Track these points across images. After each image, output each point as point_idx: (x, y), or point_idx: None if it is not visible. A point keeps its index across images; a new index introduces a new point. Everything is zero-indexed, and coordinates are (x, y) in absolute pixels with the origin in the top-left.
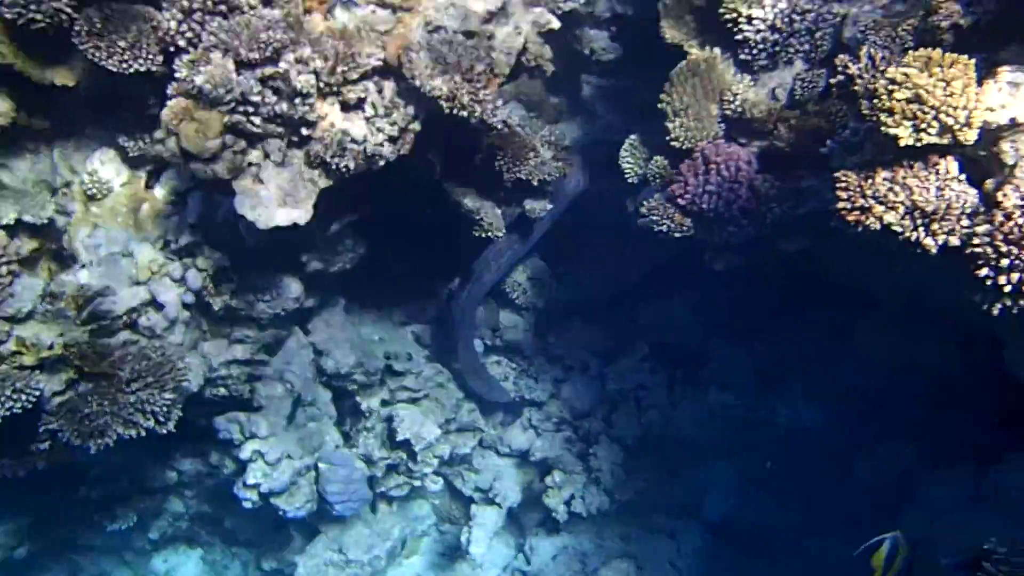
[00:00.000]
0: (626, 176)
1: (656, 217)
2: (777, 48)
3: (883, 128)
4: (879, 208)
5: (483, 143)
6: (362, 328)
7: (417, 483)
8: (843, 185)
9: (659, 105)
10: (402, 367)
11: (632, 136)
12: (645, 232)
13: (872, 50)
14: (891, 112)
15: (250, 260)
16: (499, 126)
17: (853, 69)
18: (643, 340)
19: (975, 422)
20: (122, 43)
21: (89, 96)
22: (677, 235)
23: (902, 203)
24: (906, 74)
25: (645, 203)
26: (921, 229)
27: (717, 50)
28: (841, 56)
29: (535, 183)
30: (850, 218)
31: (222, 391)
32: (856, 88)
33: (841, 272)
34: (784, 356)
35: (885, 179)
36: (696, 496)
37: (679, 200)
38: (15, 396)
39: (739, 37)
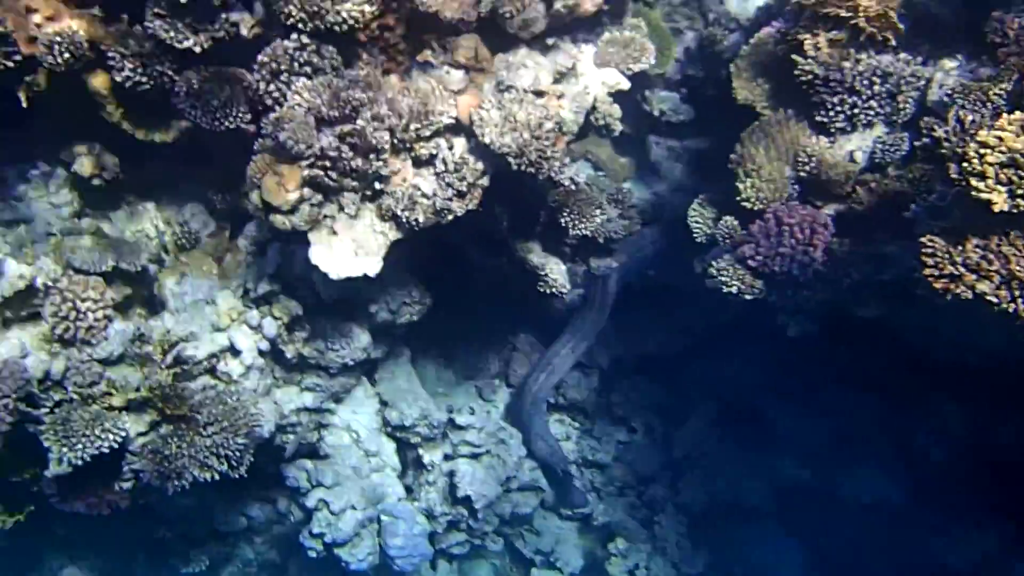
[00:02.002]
0: (694, 236)
1: (726, 278)
2: (856, 110)
3: (975, 193)
4: (971, 276)
5: (549, 199)
6: (426, 380)
7: (478, 541)
8: (930, 251)
9: (729, 165)
10: (464, 421)
11: (700, 196)
12: (711, 292)
13: (960, 113)
14: (983, 176)
15: (322, 309)
16: (566, 183)
17: (940, 132)
18: (710, 402)
19: None
20: (215, 102)
21: (183, 152)
22: (747, 297)
23: (997, 272)
24: (1000, 137)
25: (714, 264)
26: (1020, 301)
27: (791, 111)
28: (927, 119)
29: (600, 240)
30: (938, 285)
31: (291, 438)
32: (943, 151)
33: (920, 339)
34: (859, 425)
35: (977, 246)
36: (763, 572)
37: (750, 261)
38: (103, 435)
39: (815, 100)
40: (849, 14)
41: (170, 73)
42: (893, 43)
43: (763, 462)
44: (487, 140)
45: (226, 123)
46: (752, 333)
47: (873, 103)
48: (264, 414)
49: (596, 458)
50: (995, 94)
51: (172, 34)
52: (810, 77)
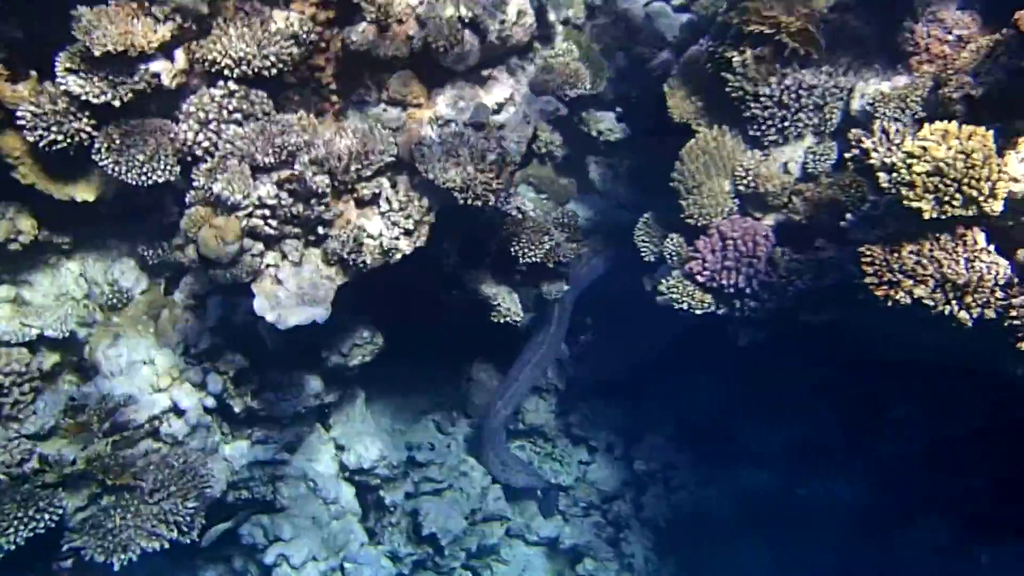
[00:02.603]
0: (642, 255)
1: (676, 295)
2: (786, 123)
3: (905, 202)
4: (908, 282)
5: (497, 229)
6: (382, 419)
7: None
8: (868, 260)
9: (671, 183)
10: (424, 458)
11: (646, 215)
12: (663, 308)
13: (885, 123)
14: (912, 186)
15: (270, 359)
16: (513, 212)
17: (867, 143)
18: (668, 417)
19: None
20: (141, 156)
21: (109, 209)
22: (698, 312)
23: (931, 276)
24: (924, 147)
25: (664, 282)
26: (954, 303)
27: (725, 127)
28: (854, 131)
29: (550, 265)
30: (879, 293)
31: (245, 494)
32: (872, 162)
33: (869, 342)
34: (815, 430)
35: (911, 252)
36: None
37: (698, 277)
38: (38, 516)
39: (747, 115)
40: (772, 31)
41: (88, 129)
42: (815, 57)
43: (723, 471)
44: (431, 176)
45: (154, 178)
46: (706, 346)
47: (801, 115)
48: (214, 473)
49: (559, 480)
50: (912, 101)
51: (88, 89)
52: (740, 93)
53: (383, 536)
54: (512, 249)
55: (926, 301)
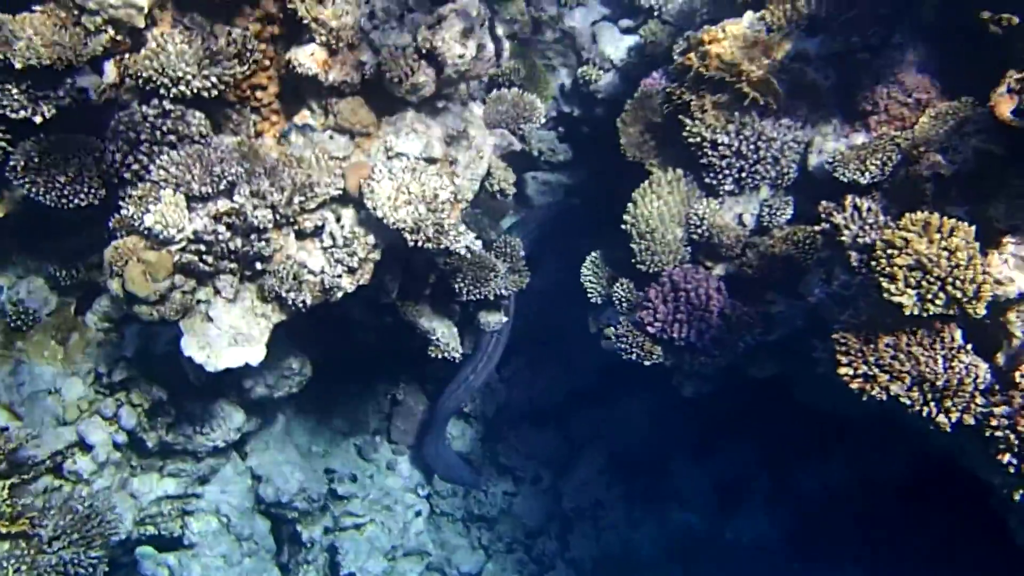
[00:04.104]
0: (589, 296)
1: (625, 344)
2: (743, 174)
3: (886, 295)
4: (884, 377)
5: (439, 264)
6: (301, 442)
7: None
8: (844, 349)
9: (623, 226)
10: (346, 491)
11: (594, 253)
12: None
13: (857, 200)
14: (893, 278)
15: (191, 391)
16: (462, 252)
17: (838, 218)
18: (599, 449)
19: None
20: (62, 178)
21: (18, 225)
22: (647, 363)
23: (908, 373)
24: (906, 239)
25: (613, 329)
26: (932, 405)
27: (680, 171)
28: (825, 204)
29: (491, 298)
30: (854, 385)
31: (151, 530)
32: (843, 239)
33: (810, 395)
34: (745, 473)
35: (888, 345)
36: None
37: (648, 328)
38: None
39: (704, 161)
40: (733, 79)
41: (3, 144)
42: (775, 108)
43: (653, 511)
44: (380, 215)
45: (75, 201)
46: (642, 383)
47: (759, 167)
48: (121, 517)
49: (482, 512)
50: (872, 164)
51: (5, 103)
52: (698, 139)
53: (297, 574)
54: (456, 286)
55: (903, 399)
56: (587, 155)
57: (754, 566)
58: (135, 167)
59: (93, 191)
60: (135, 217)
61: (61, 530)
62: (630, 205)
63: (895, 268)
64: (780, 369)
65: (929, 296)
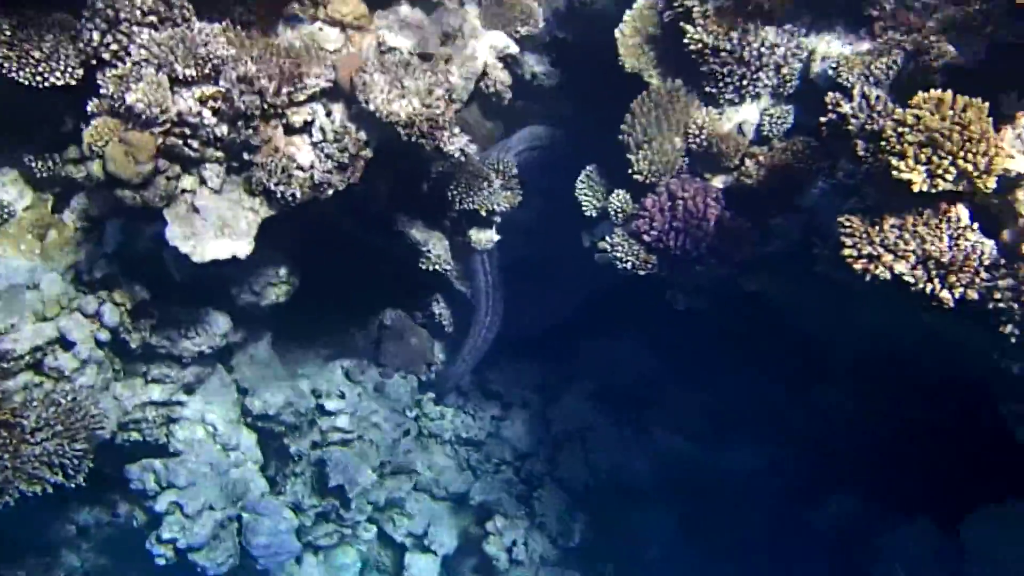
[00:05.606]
0: (583, 210)
1: (620, 254)
2: (745, 82)
3: (894, 173)
4: (888, 257)
5: (433, 170)
6: (288, 362)
7: (348, 531)
8: (848, 231)
9: (620, 136)
10: (334, 406)
11: (588, 167)
12: (593, 266)
13: (866, 89)
14: (903, 156)
15: (174, 293)
16: (456, 154)
17: (846, 108)
18: (588, 376)
19: (935, 475)
20: (36, 54)
21: None
22: (641, 272)
23: (913, 252)
24: (917, 116)
25: (608, 239)
26: (936, 281)
27: (679, 81)
28: (832, 94)
29: (483, 213)
30: (857, 266)
31: (135, 436)
32: (850, 128)
33: (801, 317)
34: (736, 401)
35: (894, 226)
36: (640, 543)
37: (644, 237)
38: None
39: (705, 69)
40: None
41: None
42: (780, 14)
43: (642, 435)
44: (373, 108)
45: (51, 79)
46: (632, 309)
47: (762, 75)
48: (106, 412)
49: (471, 435)
50: (877, 68)
51: None
52: (700, 46)
53: (285, 486)
54: (449, 194)
55: (907, 277)
56: (582, 82)
57: (743, 492)
58: (114, 47)
59: (70, 70)
60: (115, 96)
61: (44, 421)
62: (627, 115)
63: (905, 145)
64: (773, 284)
65: (939, 171)
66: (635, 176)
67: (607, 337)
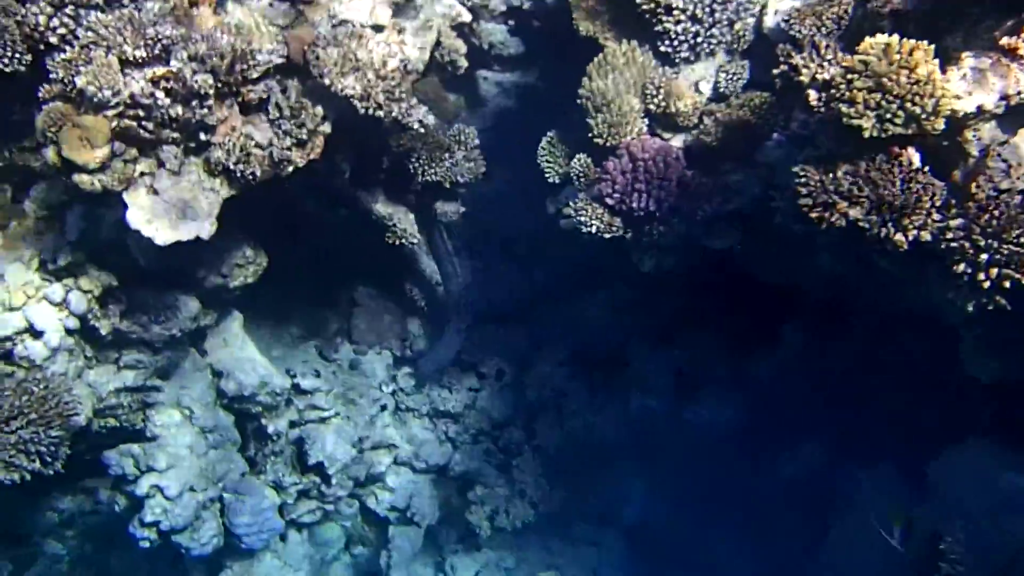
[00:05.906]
0: (546, 176)
1: (584, 218)
2: (699, 39)
3: (844, 120)
4: (843, 204)
5: (393, 144)
6: (261, 343)
7: (330, 507)
8: (804, 181)
9: (578, 100)
10: (310, 385)
11: (549, 133)
12: (560, 234)
13: (816, 38)
14: (852, 103)
15: (141, 278)
16: (415, 126)
17: (797, 59)
18: (560, 343)
19: (898, 419)
20: None
21: None
22: (607, 236)
23: (867, 198)
24: (864, 62)
25: (572, 204)
26: (890, 225)
27: (635, 42)
28: (782, 45)
29: (447, 185)
30: (813, 215)
31: (111, 422)
32: (802, 78)
33: (766, 269)
34: (704, 358)
35: (847, 173)
36: (616, 503)
37: (607, 200)
38: None
39: (659, 28)
40: None
41: None
42: None
43: (614, 398)
44: (327, 82)
45: None
46: (601, 274)
47: (715, 31)
48: (80, 398)
49: (448, 408)
50: (828, 18)
51: None
52: (652, 5)
53: (265, 466)
54: (411, 166)
55: (861, 223)
56: (540, 50)
57: (713, 446)
58: (61, 31)
59: (17, 55)
60: (66, 81)
61: (17, 410)
62: (585, 79)
63: (855, 91)
64: (735, 240)
65: (888, 116)
66: (595, 140)
67: (576, 305)
